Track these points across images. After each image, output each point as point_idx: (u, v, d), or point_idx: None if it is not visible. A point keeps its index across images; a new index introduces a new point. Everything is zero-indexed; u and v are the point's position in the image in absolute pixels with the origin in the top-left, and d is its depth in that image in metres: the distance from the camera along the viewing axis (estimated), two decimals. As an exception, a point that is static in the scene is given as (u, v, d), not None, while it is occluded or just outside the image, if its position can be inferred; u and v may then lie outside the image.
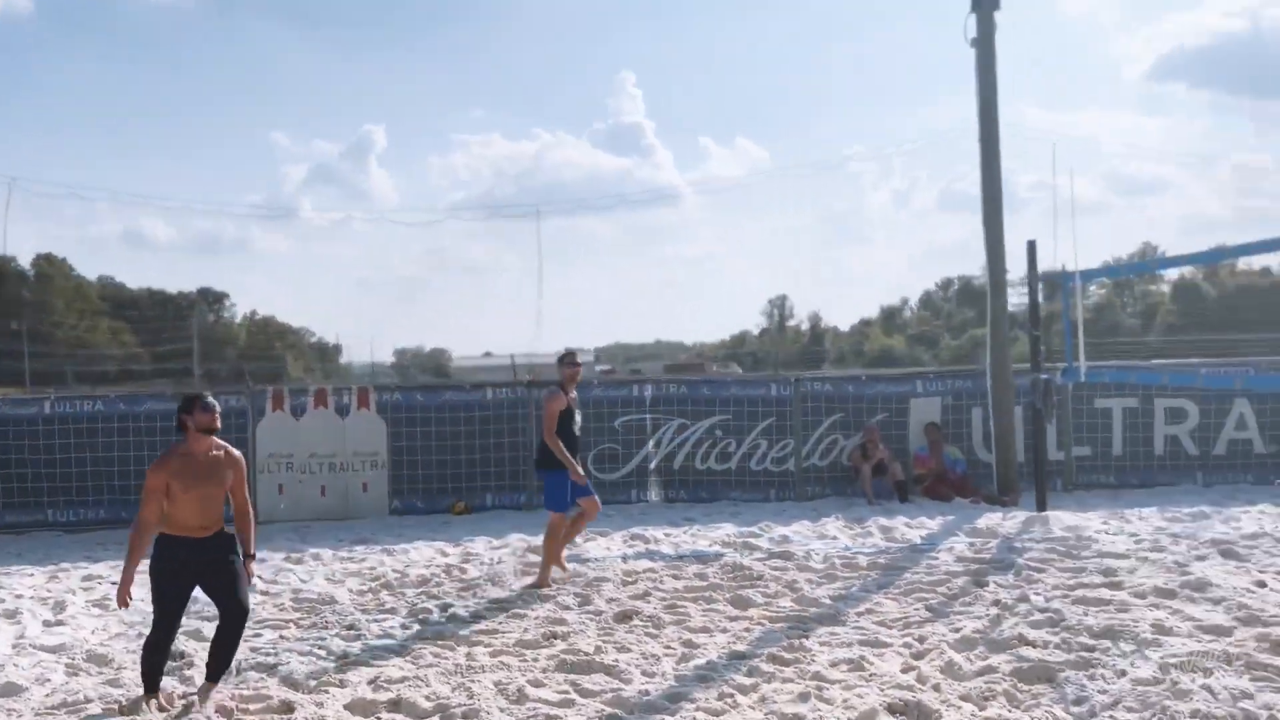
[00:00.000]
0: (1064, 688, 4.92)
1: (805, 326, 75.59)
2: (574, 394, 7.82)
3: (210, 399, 5.10)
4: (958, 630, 5.95)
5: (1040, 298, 9.68)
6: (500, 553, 8.84)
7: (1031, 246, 9.32)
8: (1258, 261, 49.96)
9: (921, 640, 5.78)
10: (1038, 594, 6.68)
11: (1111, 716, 4.51)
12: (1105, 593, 6.65)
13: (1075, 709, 4.67)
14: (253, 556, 5.31)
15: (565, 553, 7.96)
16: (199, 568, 5.01)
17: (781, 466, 11.30)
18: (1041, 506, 9.48)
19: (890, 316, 75.55)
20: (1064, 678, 5.03)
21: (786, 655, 5.57)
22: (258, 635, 6.31)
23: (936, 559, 8.07)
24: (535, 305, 20.87)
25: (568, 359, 7.79)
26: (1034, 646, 5.52)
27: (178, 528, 4.98)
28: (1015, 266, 10.75)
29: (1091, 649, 5.43)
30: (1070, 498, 10.52)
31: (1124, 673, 5.01)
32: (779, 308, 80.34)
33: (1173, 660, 5.14)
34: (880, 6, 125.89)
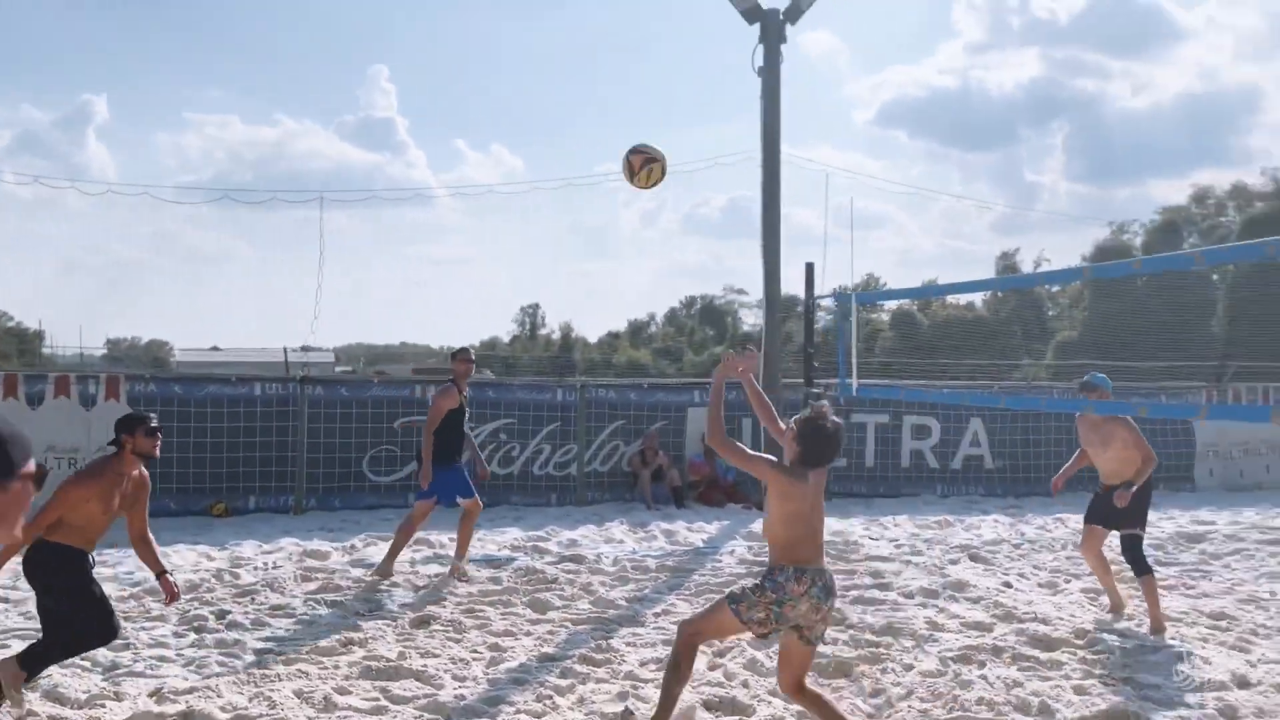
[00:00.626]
0: (860, 681, 5.25)
1: (556, 335, 76.32)
2: (467, 391, 7.78)
3: (155, 423, 4.84)
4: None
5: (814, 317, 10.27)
6: (274, 557, 8.33)
7: (809, 269, 9.90)
8: (965, 298, 55.30)
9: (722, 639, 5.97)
10: (818, 595, 7.07)
11: (908, 706, 4.85)
12: (878, 593, 7.15)
13: (873, 700, 4.99)
14: (167, 572, 5.05)
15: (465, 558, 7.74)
16: None
17: (564, 471, 11.35)
18: (810, 513, 10.07)
19: (638, 331, 77.71)
20: (859, 672, 5.36)
21: (596, 656, 5.60)
22: (4, 647, 5.61)
23: (720, 561, 8.38)
24: (314, 299, 19.85)
25: (461, 354, 7.81)
26: (826, 644, 5.83)
27: (82, 542, 4.72)
28: (755, 289, 11.44)
29: (877, 645, 5.82)
30: (830, 505, 11.18)
31: (911, 666, 5.41)
32: (531, 316, 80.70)
33: (950, 654, 5.61)
34: (653, 28, 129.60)
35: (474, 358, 8.00)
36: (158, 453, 4.88)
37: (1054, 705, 4.76)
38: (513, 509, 10.84)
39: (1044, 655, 5.60)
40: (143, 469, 4.95)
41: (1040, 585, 7.47)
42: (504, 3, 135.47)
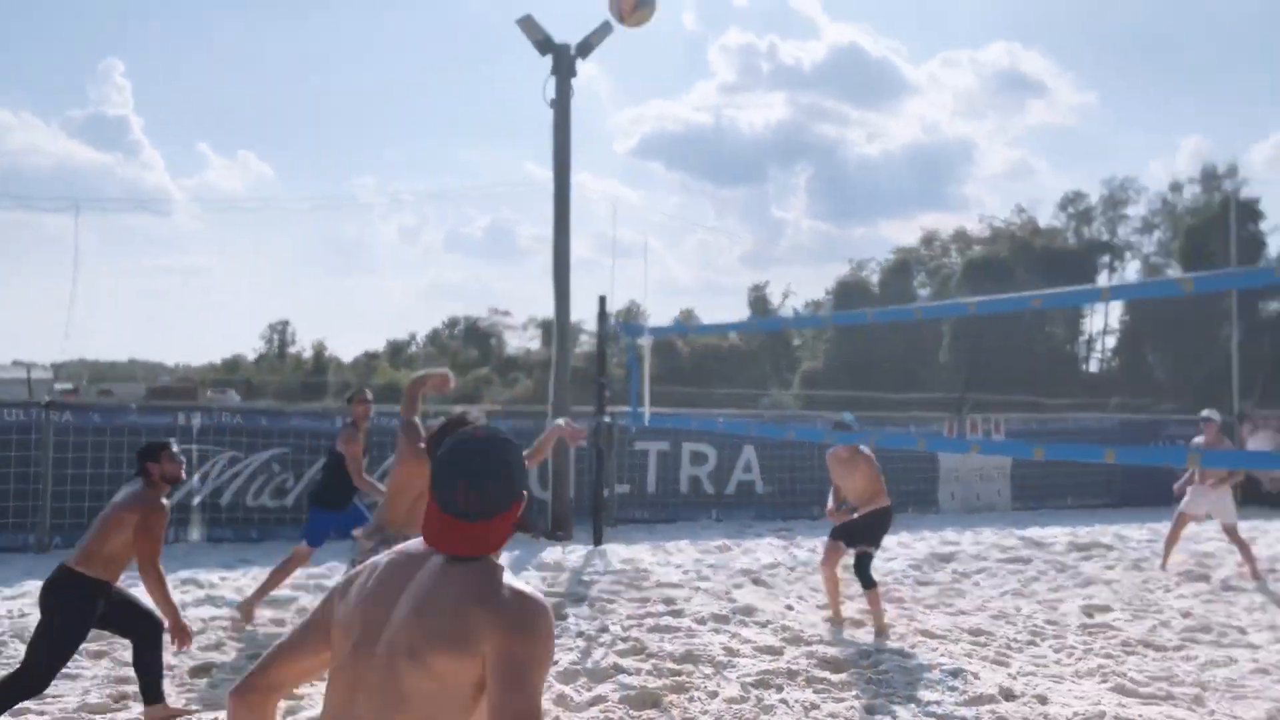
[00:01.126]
0: (670, 711, 5.37)
1: (308, 355, 73.13)
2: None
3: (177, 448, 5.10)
4: (555, 663, 6.21)
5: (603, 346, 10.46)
6: (19, 603, 7.50)
7: (602, 301, 10.09)
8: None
9: (527, 675, 5.94)
10: (615, 624, 7.18)
11: (717, 732, 5.02)
12: (672, 620, 7.34)
13: (683, 730, 5.12)
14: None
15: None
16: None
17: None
18: (598, 541, 10.20)
19: (398, 351, 75.81)
20: (668, 702, 5.49)
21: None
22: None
23: (514, 594, 8.31)
24: (65, 311, 18.04)
25: (359, 396, 7.74)
26: (631, 674, 5.94)
27: (109, 575, 4.84)
28: (520, 311, 11.59)
29: (679, 673, 5.98)
30: (615, 532, 11.39)
31: (715, 693, 5.59)
32: (280, 333, 77.00)
33: (749, 679, 5.85)
34: (430, 48, 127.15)
35: (371, 398, 7.85)
36: (184, 475, 5.14)
37: (848, 726, 5.07)
38: (287, 544, 10.25)
39: (834, 676, 5.95)
40: None
41: (819, 607, 7.92)
42: (258, 4, 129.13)
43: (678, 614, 7.54)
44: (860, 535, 7.34)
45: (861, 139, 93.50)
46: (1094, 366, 49.95)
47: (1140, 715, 5.25)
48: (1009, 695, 5.60)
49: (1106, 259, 50.34)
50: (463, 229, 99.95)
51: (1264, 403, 17.73)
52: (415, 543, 1.97)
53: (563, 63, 11.45)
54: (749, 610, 7.62)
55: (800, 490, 12.91)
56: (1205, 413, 9.73)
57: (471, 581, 1.84)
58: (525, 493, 1.98)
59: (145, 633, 4.98)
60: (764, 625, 7.22)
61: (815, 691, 5.67)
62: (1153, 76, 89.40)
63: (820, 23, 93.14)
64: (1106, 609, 7.98)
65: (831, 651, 6.46)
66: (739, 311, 62.84)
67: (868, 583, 7.18)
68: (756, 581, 8.87)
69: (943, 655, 6.48)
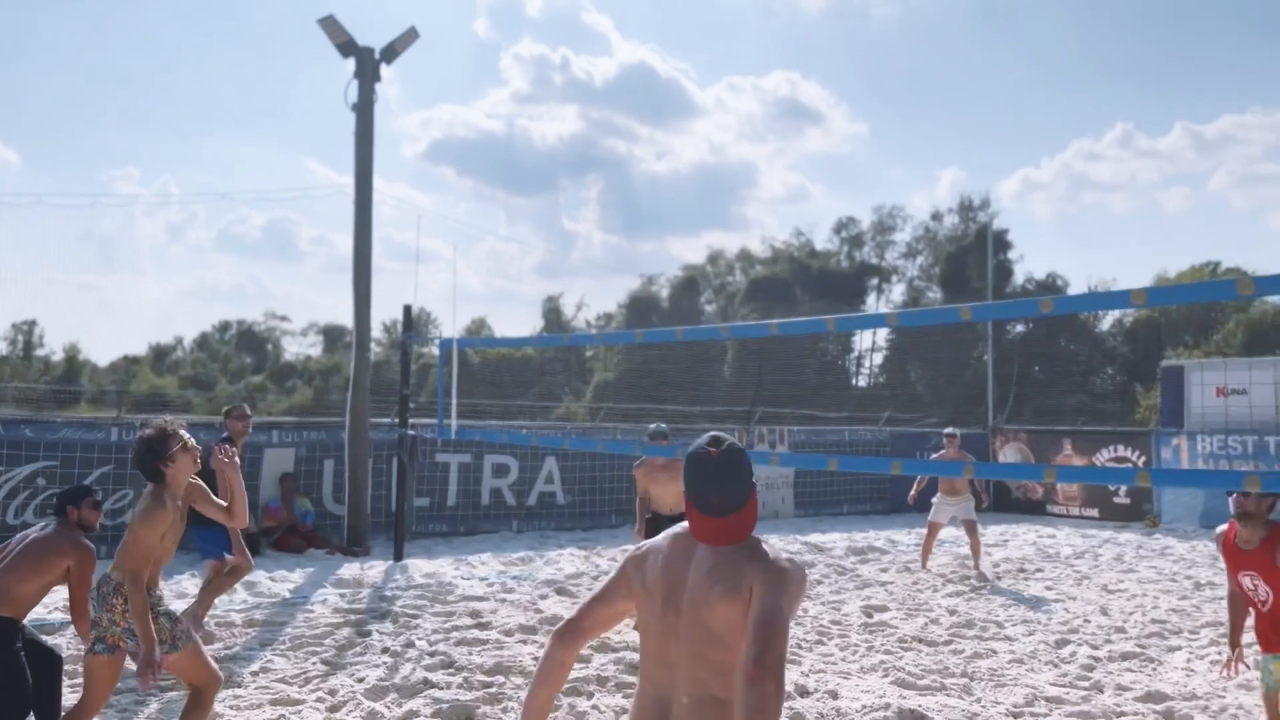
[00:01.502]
0: (484, 722, 5.41)
1: (58, 358, 67.40)
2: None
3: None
4: (362, 680, 6.11)
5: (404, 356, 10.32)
6: None
7: (407, 310, 9.94)
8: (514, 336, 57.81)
9: (333, 693, 5.82)
10: (421, 639, 7.12)
11: (534, 742, 5.09)
12: (479, 633, 7.36)
13: (500, 740, 5.18)
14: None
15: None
16: None
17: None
18: (399, 556, 10.03)
19: (161, 355, 71.05)
20: (481, 714, 5.52)
21: (205, 724, 5.19)
22: None
23: (312, 611, 8.07)
24: None
25: (237, 412, 7.37)
26: (441, 688, 5.93)
27: (13, 611, 4.60)
28: (299, 316, 11.40)
29: (491, 685, 6.02)
30: (414, 545, 11.23)
31: (528, 702, 5.67)
32: (25, 334, 70.59)
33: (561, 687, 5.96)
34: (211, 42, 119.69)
35: (250, 414, 7.45)
36: (98, 526, 5.02)
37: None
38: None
39: (643, 681, 6.16)
40: None
41: (622, 615, 8.14)
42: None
43: (484, 626, 7.57)
44: None
45: (651, 156, 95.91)
46: (862, 381, 53.19)
47: (919, 705, 5.74)
48: (803, 692, 5.98)
49: (875, 281, 53.95)
50: (236, 228, 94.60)
51: (1012, 419, 19.55)
52: (685, 527, 2.61)
53: (366, 67, 11.25)
54: (555, 620, 7.73)
55: (601, 501, 13.17)
56: (948, 430, 11.05)
57: (743, 548, 2.49)
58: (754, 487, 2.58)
59: (43, 670, 4.75)
60: (571, 634, 7.34)
61: (624, 696, 5.85)
62: (918, 112, 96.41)
63: (612, 39, 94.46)
64: (884, 608, 8.62)
65: (635, 656, 6.67)
66: (533, 321, 62.91)
67: None
68: (561, 591, 9.00)
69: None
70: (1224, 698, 6.07)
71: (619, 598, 2.68)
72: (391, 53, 11.38)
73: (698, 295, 61.17)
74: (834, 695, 5.93)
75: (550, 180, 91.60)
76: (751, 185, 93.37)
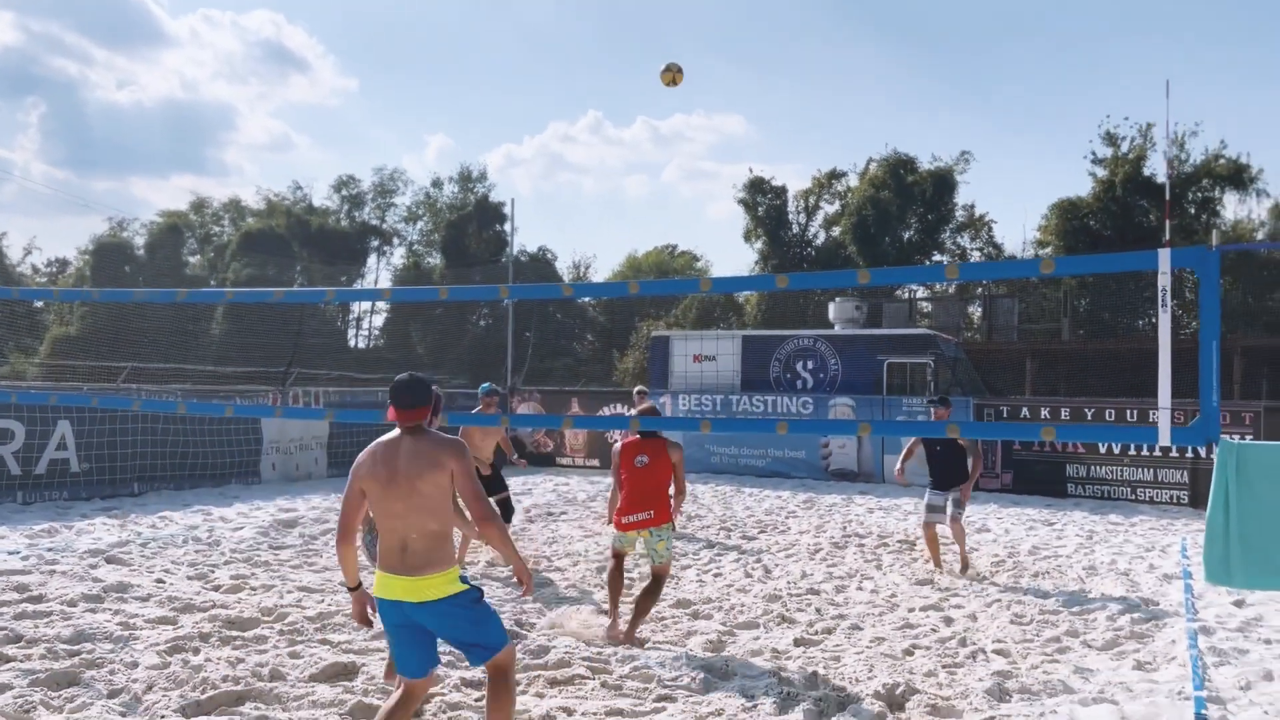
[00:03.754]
0: (94, 685, 5.28)
1: None
2: None
3: None
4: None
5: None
6: None
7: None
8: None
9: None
10: (-32, 618, 6.53)
11: (160, 694, 5.13)
12: (35, 606, 6.86)
13: (119, 699, 5.12)
14: None
15: None
16: None
17: None
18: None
19: None
20: (88, 677, 5.38)
21: None
22: None
23: None
24: None
25: None
26: (22, 660, 5.62)
27: None
28: None
29: (79, 652, 5.80)
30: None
31: (135, 663, 5.61)
32: None
33: (161, 647, 5.94)
34: None
35: None
36: None
37: (284, 670, 5.58)
38: None
39: (248, 633, 6.33)
40: None
41: (190, 578, 8.03)
42: None
43: (40, 599, 7.07)
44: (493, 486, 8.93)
45: (110, 83, 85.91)
46: (360, 343, 53.14)
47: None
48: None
49: (376, 243, 54.08)
50: None
51: (529, 380, 21.34)
52: (392, 433, 4.10)
53: None
54: (123, 586, 7.45)
55: (123, 466, 12.32)
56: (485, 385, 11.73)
57: (429, 438, 4.03)
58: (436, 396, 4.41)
59: None
60: (146, 599, 7.17)
61: (234, 648, 6.01)
62: (409, 74, 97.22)
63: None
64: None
65: (231, 613, 6.78)
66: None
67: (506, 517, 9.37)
68: (111, 559, 8.55)
69: (330, 604, 7.22)
70: (729, 599, 7.77)
71: (357, 492, 4.06)
72: None
73: (181, 242, 56.81)
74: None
75: (-26, 96, 78.23)
76: (230, 129, 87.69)
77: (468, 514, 4.34)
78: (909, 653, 6.25)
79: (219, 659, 5.75)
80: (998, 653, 6.29)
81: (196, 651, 5.92)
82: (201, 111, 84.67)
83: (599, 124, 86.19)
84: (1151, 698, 5.24)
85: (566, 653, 6.00)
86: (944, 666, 5.92)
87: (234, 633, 6.34)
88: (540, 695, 5.29)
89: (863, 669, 5.73)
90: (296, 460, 14.94)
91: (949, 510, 9.02)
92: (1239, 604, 7.76)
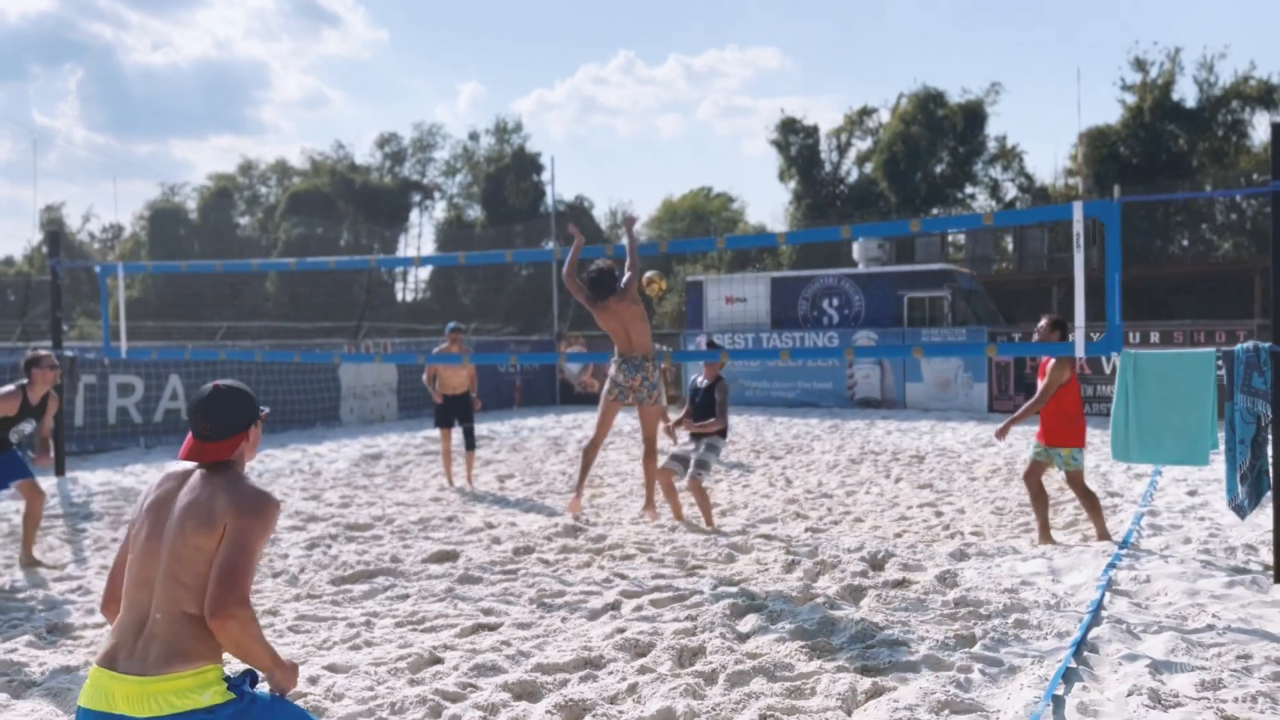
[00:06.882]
0: (258, 569, 6.89)
1: None
2: (40, 402, 6.89)
3: None
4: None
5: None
6: None
7: (54, 236, 10.21)
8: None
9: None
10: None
11: (304, 573, 6.72)
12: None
13: (278, 580, 6.71)
14: None
15: None
16: None
17: None
18: (61, 471, 10.47)
19: None
20: None
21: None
22: None
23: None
24: None
25: (46, 362, 6.83)
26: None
27: None
28: None
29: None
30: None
31: (286, 556, 7.22)
32: None
33: (299, 544, 7.55)
34: None
35: (57, 364, 6.98)
36: None
37: (401, 556, 7.16)
38: None
39: (366, 533, 7.93)
40: None
41: (305, 499, 9.66)
42: None
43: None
44: (465, 415, 10.50)
45: (145, 46, 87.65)
46: (408, 296, 54.86)
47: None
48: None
49: (418, 198, 55.57)
50: None
51: (574, 326, 22.89)
52: (181, 464, 2.77)
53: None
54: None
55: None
56: (450, 324, 11.03)
57: (224, 483, 2.66)
58: (260, 416, 2.87)
59: None
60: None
61: (358, 544, 7.60)
62: (437, 22, 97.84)
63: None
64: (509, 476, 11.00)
65: (350, 520, 8.38)
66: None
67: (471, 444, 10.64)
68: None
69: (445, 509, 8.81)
70: (754, 502, 9.25)
71: (128, 539, 2.73)
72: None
73: (231, 205, 58.53)
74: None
75: (15, 67, 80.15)
76: (265, 86, 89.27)
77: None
78: (899, 535, 7.70)
79: (348, 550, 7.34)
80: (974, 534, 7.71)
81: (329, 547, 7.51)
82: (236, 70, 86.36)
83: (631, 64, 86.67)
84: (1081, 554, 6.65)
85: (620, 538, 7.54)
86: (923, 542, 7.36)
87: (355, 533, 7.94)
88: (601, 568, 6.81)
89: (856, 544, 7.19)
90: (371, 404, 16.62)
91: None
92: (1191, 493, 9.11)
